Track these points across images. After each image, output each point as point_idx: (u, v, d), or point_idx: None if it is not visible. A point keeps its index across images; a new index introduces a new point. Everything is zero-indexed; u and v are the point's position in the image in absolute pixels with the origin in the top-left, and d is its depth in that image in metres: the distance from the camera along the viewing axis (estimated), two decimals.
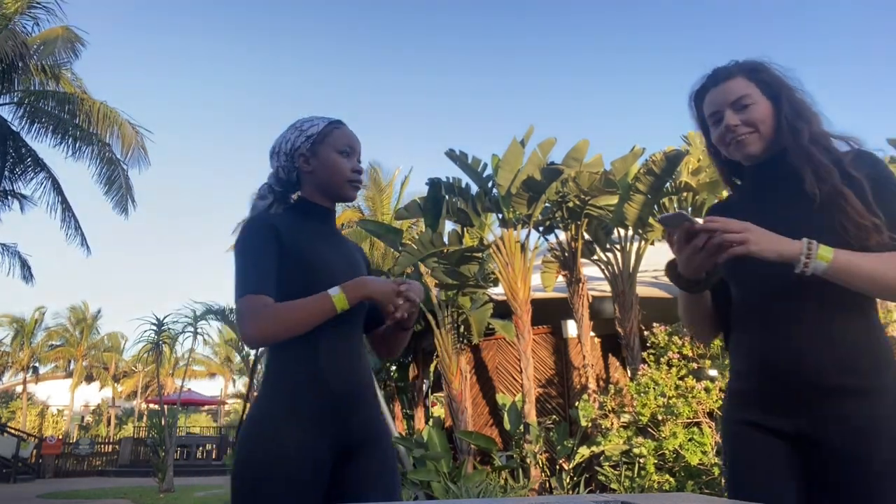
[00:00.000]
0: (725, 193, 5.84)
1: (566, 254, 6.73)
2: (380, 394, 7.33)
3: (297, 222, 1.47)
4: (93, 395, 33.39)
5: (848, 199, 1.15)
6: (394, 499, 1.40)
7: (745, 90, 1.30)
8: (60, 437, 23.11)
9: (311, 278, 1.38)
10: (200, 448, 21.05)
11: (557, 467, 6.10)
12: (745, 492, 1.21)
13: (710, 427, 4.42)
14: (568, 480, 5.83)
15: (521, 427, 6.42)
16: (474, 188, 7.04)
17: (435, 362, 8.63)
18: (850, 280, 1.09)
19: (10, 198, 11.22)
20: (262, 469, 1.26)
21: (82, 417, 33.41)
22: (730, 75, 1.33)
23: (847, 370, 1.14)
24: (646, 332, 5.20)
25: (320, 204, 1.53)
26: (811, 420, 1.16)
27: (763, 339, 1.23)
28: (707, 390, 4.49)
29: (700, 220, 1.13)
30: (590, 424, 5.69)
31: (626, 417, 5.06)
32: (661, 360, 4.80)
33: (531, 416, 6.29)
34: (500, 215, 7.00)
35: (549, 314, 7.18)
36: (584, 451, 5.62)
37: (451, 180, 6.97)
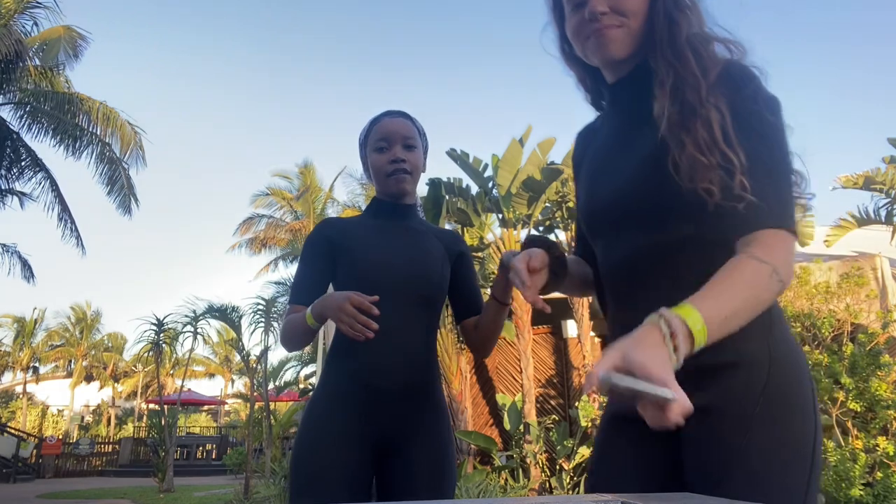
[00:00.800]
0: None
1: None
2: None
3: (365, 221, 1.55)
4: (93, 395, 33.41)
5: (695, 127, 0.86)
6: (436, 497, 1.38)
7: None
8: (60, 437, 23.10)
9: (359, 275, 1.44)
10: (200, 448, 21.05)
11: (557, 467, 6.10)
12: (602, 485, 1.01)
13: None
14: (568, 480, 5.83)
15: (521, 427, 6.41)
16: (474, 188, 7.04)
17: None
18: (728, 328, 0.80)
19: (9, 196, 11.23)
20: (303, 453, 1.37)
21: (82, 417, 33.40)
22: None
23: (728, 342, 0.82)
24: None
25: (383, 200, 1.56)
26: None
27: (617, 319, 1.02)
28: None
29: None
30: (590, 424, 5.69)
31: None
32: None
33: (531, 416, 6.29)
34: (500, 215, 7.00)
35: (550, 314, 7.17)
36: (584, 451, 5.62)
37: (451, 180, 6.96)
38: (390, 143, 1.50)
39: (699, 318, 0.76)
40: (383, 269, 1.44)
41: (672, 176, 0.88)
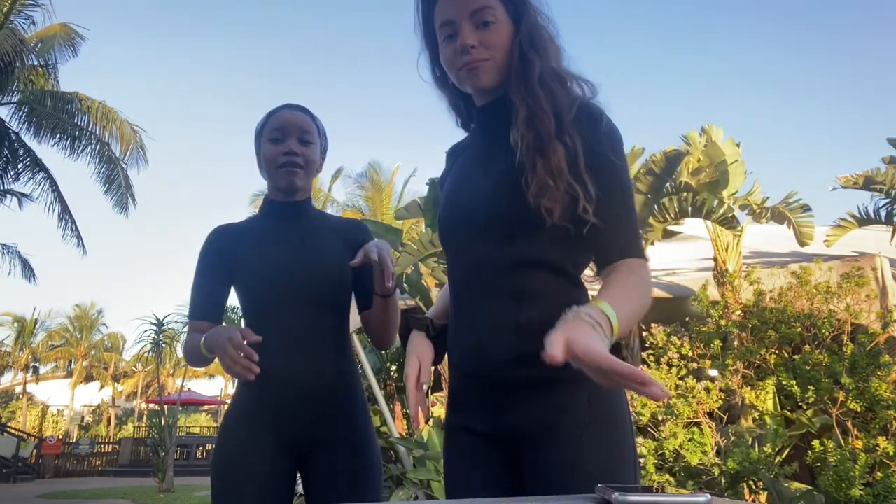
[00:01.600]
0: (725, 193, 5.73)
1: None
2: (379, 393, 7.34)
3: (257, 224, 1.51)
4: (93, 395, 33.43)
5: (547, 155, 0.95)
6: (358, 493, 1.36)
7: (489, 1, 1.03)
8: (60, 437, 23.11)
9: (253, 284, 1.42)
10: (200, 448, 21.04)
11: None
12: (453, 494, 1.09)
13: (710, 427, 4.42)
14: None
15: None
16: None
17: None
18: (625, 331, 0.90)
19: (8, 196, 11.23)
20: (217, 468, 1.37)
21: (82, 417, 33.41)
22: None
23: (530, 361, 0.91)
24: (644, 333, 5.20)
25: (273, 199, 1.51)
26: (505, 417, 1.01)
27: (453, 334, 1.11)
28: (707, 390, 4.49)
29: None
30: None
31: None
32: (661, 360, 4.79)
33: None
34: None
35: None
36: None
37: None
38: (285, 135, 1.45)
39: (614, 313, 0.85)
40: (276, 276, 1.39)
41: (522, 195, 0.96)
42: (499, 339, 1.01)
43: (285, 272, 1.40)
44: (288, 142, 1.44)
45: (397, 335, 1.35)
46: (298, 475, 1.45)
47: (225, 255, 1.45)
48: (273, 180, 1.48)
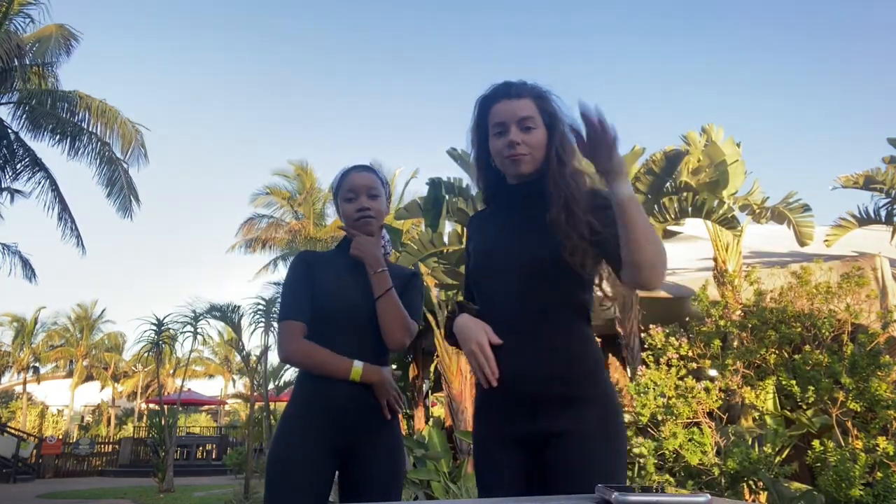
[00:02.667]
0: (725, 193, 5.71)
1: None
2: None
3: (337, 257, 1.83)
4: (93, 395, 33.40)
5: (579, 227, 1.33)
6: (387, 499, 1.65)
7: (531, 112, 1.41)
8: (60, 437, 23.10)
9: (320, 305, 1.70)
10: (200, 448, 21.06)
11: None
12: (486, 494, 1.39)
13: (709, 427, 4.42)
14: None
15: None
16: (474, 188, 7.04)
17: (435, 362, 8.63)
18: (635, 219, 1.24)
19: (3, 193, 11.21)
20: (272, 462, 1.63)
21: (82, 417, 33.40)
22: (521, 94, 1.43)
23: (560, 380, 1.31)
24: (644, 333, 5.20)
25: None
26: (535, 428, 1.33)
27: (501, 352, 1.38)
28: (707, 390, 4.48)
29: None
30: None
31: (626, 418, 5.05)
32: (661, 360, 4.79)
33: None
34: None
35: None
36: None
37: (451, 180, 6.96)
38: (357, 194, 1.77)
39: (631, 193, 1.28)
40: (343, 304, 1.71)
41: (559, 252, 1.32)
42: (538, 361, 1.33)
43: (352, 303, 1.71)
44: (360, 199, 1.77)
45: (403, 334, 1.69)
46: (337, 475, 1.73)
47: (313, 274, 1.76)
48: (354, 231, 1.79)
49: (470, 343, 1.35)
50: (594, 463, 1.27)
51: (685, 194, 6.13)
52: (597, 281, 1.44)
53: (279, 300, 1.84)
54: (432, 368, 9.93)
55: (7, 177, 11.04)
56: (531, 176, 1.44)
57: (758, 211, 6.07)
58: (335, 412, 1.64)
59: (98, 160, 11.18)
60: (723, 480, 4.18)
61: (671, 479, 4.44)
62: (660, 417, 4.55)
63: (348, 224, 1.79)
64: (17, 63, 9.73)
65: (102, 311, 31.43)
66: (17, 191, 11.37)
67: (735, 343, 4.84)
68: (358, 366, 1.64)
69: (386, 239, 1.90)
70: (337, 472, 1.70)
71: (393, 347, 1.69)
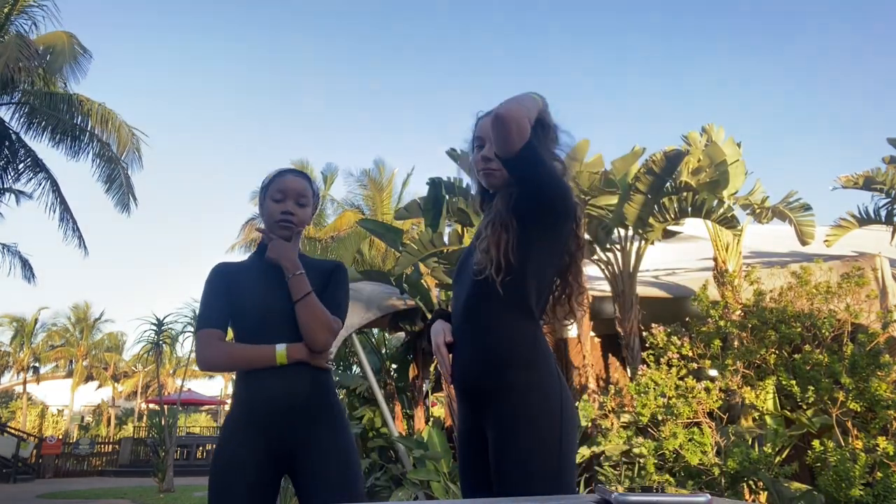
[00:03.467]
0: (726, 193, 5.74)
1: None
2: (379, 393, 7.34)
3: (254, 262, 1.81)
4: (93, 395, 33.40)
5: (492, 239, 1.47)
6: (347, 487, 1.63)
7: None
8: (60, 437, 23.10)
9: (241, 312, 1.71)
10: (200, 448, 21.04)
11: None
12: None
13: (710, 427, 4.42)
14: None
15: None
16: (474, 188, 7.02)
17: (435, 362, 8.63)
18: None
19: (6, 194, 11.22)
20: (214, 467, 1.64)
21: (82, 417, 33.39)
22: None
23: (486, 372, 1.42)
24: (645, 333, 5.20)
25: (267, 244, 1.79)
26: (483, 415, 1.44)
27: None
28: (707, 390, 4.48)
29: None
30: (590, 424, 5.69)
31: (626, 417, 5.06)
32: (661, 360, 4.79)
33: None
34: None
35: None
36: (584, 451, 5.61)
37: (451, 180, 6.96)
38: (286, 196, 1.77)
39: None
40: (263, 311, 1.70)
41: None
42: (471, 357, 1.47)
43: (270, 309, 1.70)
44: (287, 203, 1.77)
45: (325, 336, 1.69)
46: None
47: (227, 283, 1.75)
48: (270, 231, 1.79)
49: (432, 344, 1.54)
50: (514, 449, 1.35)
51: (685, 194, 6.12)
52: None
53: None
54: (432, 368, 9.93)
55: (9, 177, 11.05)
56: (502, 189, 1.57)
57: (758, 210, 6.07)
58: (272, 414, 1.63)
59: (98, 159, 11.20)
60: (723, 480, 4.18)
61: (671, 479, 4.44)
62: (660, 417, 4.55)
63: (268, 224, 1.79)
64: (21, 65, 9.71)
65: (102, 313, 31.42)
66: (20, 191, 11.38)
67: (735, 343, 4.84)
68: (281, 349, 1.63)
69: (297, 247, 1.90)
70: (287, 476, 1.69)
71: (316, 349, 1.67)
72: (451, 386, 1.59)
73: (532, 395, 1.37)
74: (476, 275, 1.45)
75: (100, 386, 31.96)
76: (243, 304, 1.71)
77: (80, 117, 10.88)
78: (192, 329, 12.64)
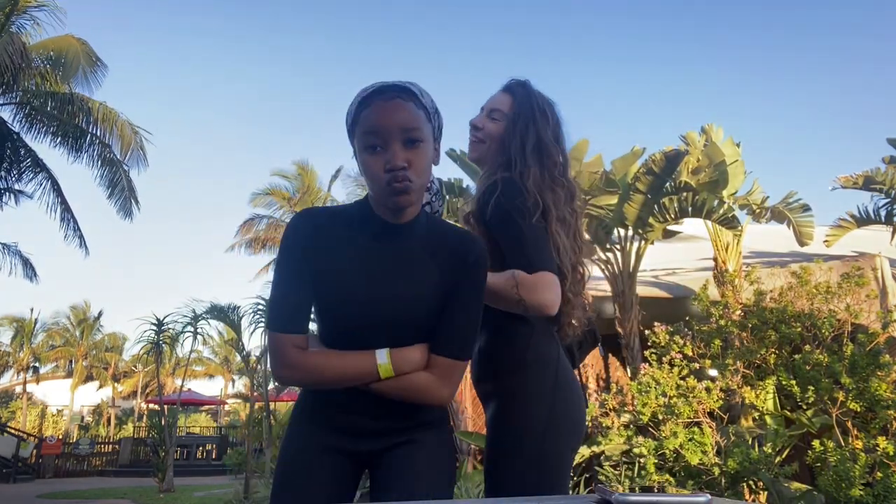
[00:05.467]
0: (725, 193, 5.74)
1: None
2: None
3: (351, 233, 1.22)
4: (93, 395, 33.39)
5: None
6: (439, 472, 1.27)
7: (500, 106, 1.53)
8: (60, 437, 23.10)
9: (327, 304, 1.22)
10: (200, 448, 21.05)
11: None
12: None
13: (710, 427, 4.42)
14: None
15: None
16: (474, 188, 7.04)
17: None
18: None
19: (7, 194, 11.22)
20: (281, 460, 1.31)
21: (82, 417, 33.39)
22: (504, 89, 1.56)
23: (484, 376, 1.43)
24: (646, 332, 5.21)
25: (377, 214, 1.22)
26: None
27: None
28: (708, 390, 4.49)
29: None
30: (590, 424, 5.69)
31: (626, 417, 5.06)
32: (663, 359, 4.80)
33: None
34: None
35: None
36: (584, 451, 5.61)
37: (451, 180, 6.97)
38: (385, 141, 1.12)
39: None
40: (361, 310, 1.20)
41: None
42: (474, 364, 1.48)
43: (370, 307, 1.21)
44: (390, 149, 1.12)
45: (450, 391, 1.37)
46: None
47: (311, 260, 1.19)
48: (379, 200, 1.19)
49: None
50: (494, 452, 1.37)
51: (685, 194, 6.13)
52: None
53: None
54: None
55: (12, 177, 11.05)
56: (488, 167, 1.58)
57: (758, 211, 6.07)
58: (355, 419, 1.26)
59: (99, 162, 11.20)
60: (723, 480, 4.18)
61: (671, 479, 4.44)
62: (660, 417, 4.56)
63: (373, 188, 1.18)
64: (22, 64, 9.70)
65: (100, 312, 31.42)
66: (20, 191, 11.38)
67: (735, 343, 4.84)
68: (383, 359, 1.17)
69: (434, 191, 1.47)
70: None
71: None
72: None
73: (515, 402, 1.34)
74: None
75: (100, 386, 31.95)
76: (327, 300, 1.22)
77: (81, 117, 10.88)
78: (191, 328, 12.63)
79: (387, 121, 1.12)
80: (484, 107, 1.56)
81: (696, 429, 4.40)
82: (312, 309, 1.24)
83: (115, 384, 31.86)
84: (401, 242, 1.23)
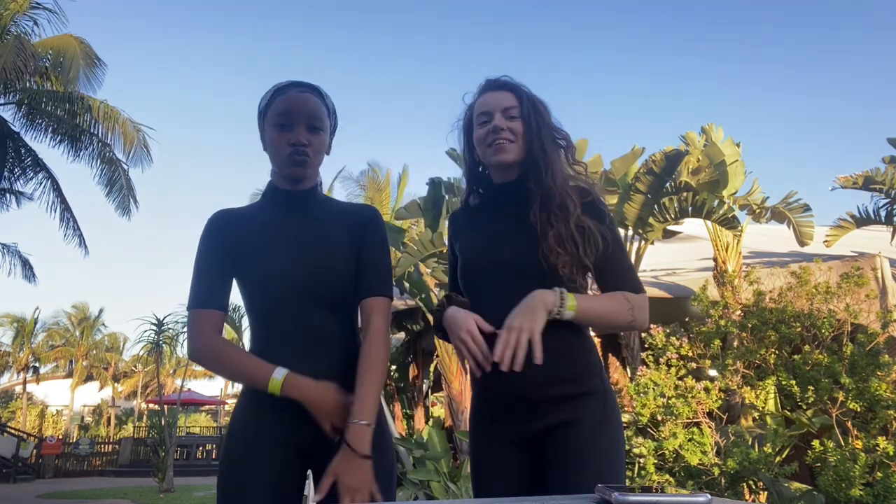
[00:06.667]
0: (725, 193, 5.74)
1: None
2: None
3: (260, 214, 1.40)
4: (93, 395, 33.41)
5: (552, 229, 1.33)
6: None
7: (514, 102, 1.42)
8: (60, 437, 23.10)
9: (254, 284, 1.33)
10: (200, 448, 21.04)
11: None
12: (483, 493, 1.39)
13: (709, 427, 4.42)
14: None
15: None
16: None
17: (435, 362, 8.63)
18: (587, 320, 1.32)
19: (7, 195, 11.23)
20: (228, 456, 1.31)
21: (82, 417, 33.40)
22: (503, 87, 1.45)
23: (555, 383, 1.31)
24: (643, 333, 5.21)
25: (278, 187, 1.41)
26: (533, 427, 1.33)
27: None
28: (707, 390, 4.49)
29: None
30: None
31: (625, 418, 5.06)
32: (661, 360, 4.80)
33: None
34: None
35: None
36: None
37: (451, 180, 6.97)
38: (293, 122, 1.34)
39: (574, 302, 1.28)
40: (279, 278, 1.31)
41: (543, 256, 1.32)
42: (538, 370, 1.27)
43: (288, 274, 1.32)
44: (296, 130, 1.34)
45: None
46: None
47: (227, 243, 1.36)
48: (279, 169, 1.38)
49: (459, 331, 1.30)
50: (591, 446, 1.27)
51: (685, 194, 6.13)
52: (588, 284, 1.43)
53: None
54: (432, 368, 9.94)
55: (13, 177, 11.05)
56: (515, 172, 1.45)
57: (758, 211, 6.07)
58: (282, 406, 1.26)
59: (98, 161, 11.20)
60: (723, 480, 4.18)
61: (671, 479, 4.44)
62: (660, 417, 4.56)
63: (276, 160, 1.37)
64: (23, 65, 9.70)
65: (101, 311, 31.43)
66: (21, 192, 11.39)
67: (735, 343, 4.84)
68: (278, 377, 1.24)
69: (319, 181, 1.47)
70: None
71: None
72: (477, 382, 1.39)
73: (608, 401, 1.35)
74: (540, 275, 1.32)
75: (100, 386, 31.97)
76: (251, 273, 1.33)
77: (81, 116, 10.87)
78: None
79: (297, 107, 1.34)
80: (486, 111, 1.44)
81: (695, 429, 4.40)
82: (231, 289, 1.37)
83: (115, 384, 31.87)
84: (306, 209, 1.40)
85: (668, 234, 6.90)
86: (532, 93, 1.46)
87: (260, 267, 1.33)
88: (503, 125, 1.39)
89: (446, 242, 1.58)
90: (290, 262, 1.33)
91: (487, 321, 1.33)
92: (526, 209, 1.38)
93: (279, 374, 1.24)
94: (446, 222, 7.48)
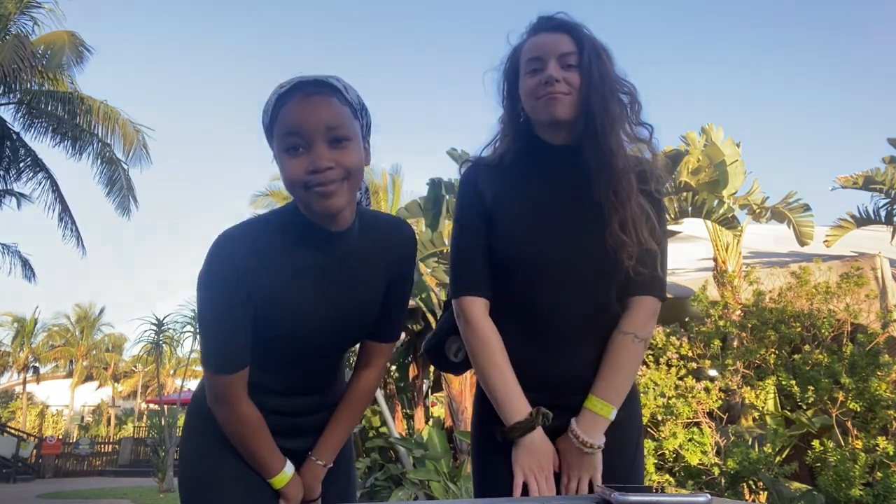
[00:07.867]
0: (725, 193, 5.71)
1: None
2: (379, 393, 7.33)
3: (285, 255, 1.09)
4: (93, 395, 33.40)
5: (622, 213, 1.14)
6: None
7: (573, 48, 1.17)
8: (60, 437, 23.11)
9: (263, 336, 1.10)
10: None
11: None
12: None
13: (709, 427, 4.42)
14: None
15: None
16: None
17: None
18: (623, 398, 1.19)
19: (7, 196, 11.24)
20: (189, 478, 1.23)
21: (82, 417, 33.40)
22: (560, 27, 1.20)
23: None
24: None
25: (309, 225, 1.08)
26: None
27: (530, 361, 1.22)
28: (707, 390, 4.49)
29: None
30: None
31: None
32: (661, 360, 4.80)
33: None
34: None
35: None
36: None
37: (451, 180, 6.96)
38: (308, 142, 0.99)
39: (605, 406, 1.15)
40: (304, 338, 1.14)
41: (606, 247, 1.14)
42: (590, 373, 1.18)
43: (317, 335, 1.14)
44: (314, 151, 0.99)
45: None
46: None
47: (248, 286, 1.06)
48: (303, 207, 1.06)
49: (535, 469, 1.14)
50: (633, 469, 1.25)
51: (685, 194, 6.13)
52: None
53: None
54: (432, 368, 9.94)
55: (11, 177, 11.06)
56: (568, 132, 1.21)
57: (758, 211, 6.07)
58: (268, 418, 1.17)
59: (99, 160, 11.22)
60: (723, 480, 4.18)
61: (671, 479, 4.44)
62: (660, 417, 4.56)
63: (296, 194, 1.04)
64: (23, 65, 9.70)
65: (101, 311, 31.43)
66: (21, 194, 11.40)
67: (735, 343, 4.84)
68: (288, 472, 1.16)
69: (363, 189, 1.24)
70: None
71: None
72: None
73: (635, 401, 1.28)
74: (604, 267, 1.16)
75: (100, 386, 31.97)
76: (272, 328, 1.11)
77: (81, 116, 10.88)
78: (191, 328, 12.62)
79: (309, 119, 0.99)
80: (537, 56, 1.18)
81: (695, 429, 4.40)
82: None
83: (115, 384, 31.87)
84: (342, 252, 1.13)
85: (668, 234, 6.90)
86: (594, 36, 1.21)
87: (283, 330, 1.11)
88: (558, 75, 1.14)
89: (464, 207, 1.26)
90: (321, 322, 1.13)
91: (536, 313, 1.18)
92: (587, 182, 1.17)
93: (289, 470, 1.17)
94: (446, 221, 7.52)
